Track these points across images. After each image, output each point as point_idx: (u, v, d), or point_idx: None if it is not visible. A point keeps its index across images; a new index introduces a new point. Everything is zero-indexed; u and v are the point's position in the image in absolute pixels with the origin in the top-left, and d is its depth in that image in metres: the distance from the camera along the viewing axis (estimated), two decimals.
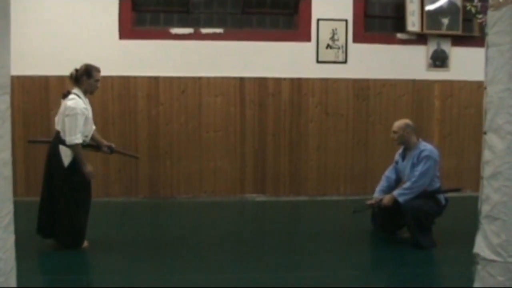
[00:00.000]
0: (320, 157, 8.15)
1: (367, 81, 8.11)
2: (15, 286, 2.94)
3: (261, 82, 7.91)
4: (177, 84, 7.85)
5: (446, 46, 8.15)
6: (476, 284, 3.34)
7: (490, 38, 3.19)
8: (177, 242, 5.86)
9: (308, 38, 7.99)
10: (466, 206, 7.61)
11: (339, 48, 7.98)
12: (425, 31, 8.04)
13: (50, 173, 5.38)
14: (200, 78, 7.86)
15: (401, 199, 5.62)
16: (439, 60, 8.15)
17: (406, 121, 5.93)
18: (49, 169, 5.39)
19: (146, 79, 7.80)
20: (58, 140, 5.32)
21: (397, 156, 6.10)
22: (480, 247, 3.29)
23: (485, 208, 3.26)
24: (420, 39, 8.13)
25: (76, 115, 5.19)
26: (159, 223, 7.10)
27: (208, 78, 7.88)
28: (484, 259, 3.25)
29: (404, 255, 5.50)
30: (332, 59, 8.00)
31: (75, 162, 5.31)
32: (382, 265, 5.36)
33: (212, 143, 7.96)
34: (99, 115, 7.69)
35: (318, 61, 8.01)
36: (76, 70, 5.42)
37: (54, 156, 5.33)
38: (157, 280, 4.67)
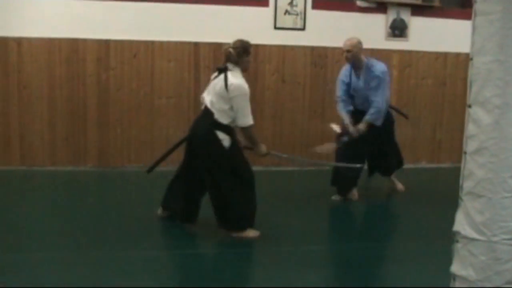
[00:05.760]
0: (276, 126, 7.99)
1: (325, 49, 7.93)
2: None
3: (216, 47, 7.56)
4: (128, 48, 7.51)
5: (406, 16, 8.02)
6: (455, 263, 3.21)
7: (478, 6, 3.01)
8: (126, 214, 5.68)
9: (265, 3, 7.73)
10: (422, 177, 7.70)
11: (297, 15, 7.76)
12: None
13: (202, 159, 5.03)
14: (152, 42, 7.54)
15: (378, 123, 6.14)
16: (398, 30, 8.03)
17: (357, 38, 6.22)
18: (204, 154, 5.03)
19: (95, 42, 7.41)
20: (214, 123, 4.95)
21: (344, 76, 6.32)
22: (461, 225, 3.15)
23: (467, 185, 3.10)
24: (379, 7, 7.99)
25: (247, 94, 4.92)
26: (107, 193, 6.76)
27: (161, 42, 7.56)
28: (465, 237, 3.11)
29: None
30: (290, 25, 7.78)
31: (234, 142, 5.03)
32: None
33: (164, 110, 7.68)
34: (46, 79, 7.38)
35: (275, 27, 7.78)
36: (233, 48, 5.00)
37: (211, 140, 4.96)
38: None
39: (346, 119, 6.21)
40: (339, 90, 6.33)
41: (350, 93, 6.32)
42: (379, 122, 6.16)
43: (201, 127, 5.04)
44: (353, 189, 6.42)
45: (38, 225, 5.26)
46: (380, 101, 6.07)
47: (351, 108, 6.31)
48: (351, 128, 6.15)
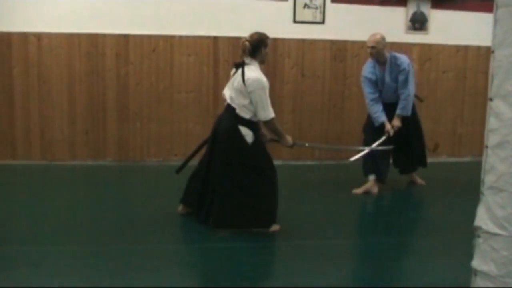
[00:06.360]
0: (295, 119, 7.96)
1: (344, 42, 7.89)
2: None
3: (236, 41, 7.45)
4: (147, 43, 7.51)
5: (426, 9, 7.94)
6: (476, 258, 3.18)
7: None
8: (145, 208, 5.68)
9: None
10: (443, 171, 7.63)
11: (316, 8, 7.71)
12: None
13: (225, 155, 4.94)
14: (172, 37, 7.54)
15: (409, 113, 6.32)
16: (418, 23, 7.95)
17: (381, 34, 6.27)
18: (226, 150, 4.94)
19: (115, 36, 7.43)
20: (236, 118, 4.87)
21: (370, 73, 6.32)
22: (482, 219, 3.10)
23: (489, 179, 3.06)
24: (399, 0, 7.91)
25: (265, 87, 4.78)
26: (126, 187, 6.76)
27: (180, 37, 7.56)
28: (487, 232, 3.07)
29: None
30: (310, 19, 7.74)
31: (257, 138, 4.94)
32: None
33: (184, 104, 7.68)
34: (66, 74, 7.40)
35: (295, 21, 7.75)
36: (249, 41, 4.88)
37: (234, 136, 4.88)
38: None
39: (383, 118, 6.26)
40: (367, 88, 6.32)
41: (378, 89, 6.33)
42: (409, 112, 6.32)
43: (224, 123, 4.97)
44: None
45: (58, 219, 5.28)
46: (409, 93, 6.25)
47: (381, 106, 6.30)
48: (388, 127, 6.22)
